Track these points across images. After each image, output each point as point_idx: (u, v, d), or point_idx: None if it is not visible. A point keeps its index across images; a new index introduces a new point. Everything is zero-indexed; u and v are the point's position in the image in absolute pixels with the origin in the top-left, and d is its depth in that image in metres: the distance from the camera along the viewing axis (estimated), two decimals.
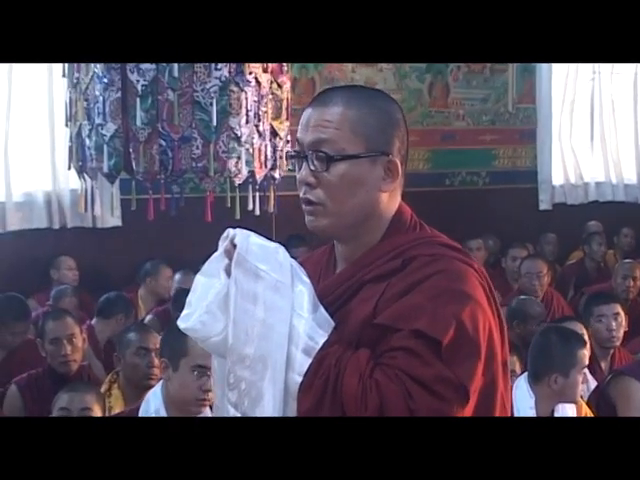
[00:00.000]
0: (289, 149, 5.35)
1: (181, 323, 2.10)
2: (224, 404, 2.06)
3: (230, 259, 2.05)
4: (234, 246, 2.06)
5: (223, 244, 2.10)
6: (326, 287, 2.14)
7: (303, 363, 1.99)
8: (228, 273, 2.05)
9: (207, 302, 2.06)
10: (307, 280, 2.08)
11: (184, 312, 2.10)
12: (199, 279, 2.11)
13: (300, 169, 2.13)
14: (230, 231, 2.11)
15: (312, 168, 2.09)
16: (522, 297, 6.06)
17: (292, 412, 2.00)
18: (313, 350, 2.00)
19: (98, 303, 6.03)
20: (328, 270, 2.23)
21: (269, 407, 2.00)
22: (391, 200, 2.15)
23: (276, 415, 1.99)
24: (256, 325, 2.01)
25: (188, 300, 2.10)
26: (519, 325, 5.65)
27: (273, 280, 2.03)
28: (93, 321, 5.94)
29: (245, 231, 2.11)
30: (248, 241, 2.07)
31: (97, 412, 3.84)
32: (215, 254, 2.11)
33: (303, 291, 2.05)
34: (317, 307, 2.05)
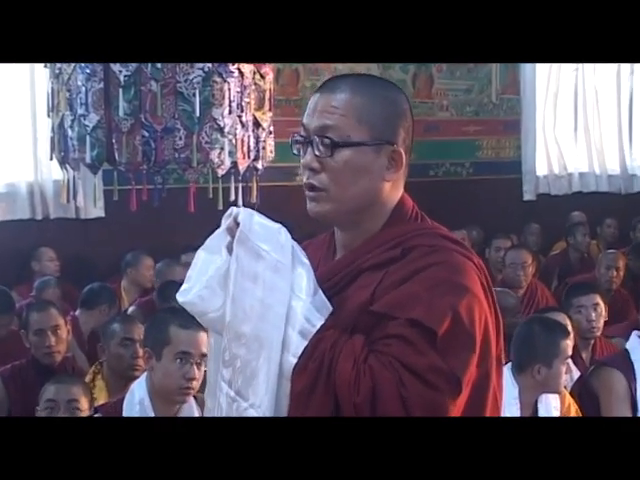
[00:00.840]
0: (272, 140, 5.36)
1: (180, 297, 2.10)
2: (218, 381, 2.06)
3: (232, 237, 2.06)
4: (237, 224, 2.07)
5: (226, 221, 2.11)
6: (324, 273, 2.14)
7: (299, 345, 2.00)
8: (229, 250, 2.06)
9: (207, 277, 2.06)
10: (307, 262, 2.09)
11: (183, 286, 2.10)
12: (200, 254, 2.11)
13: (305, 154, 2.13)
14: (234, 209, 2.12)
15: (317, 153, 2.09)
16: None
17: (285, 393, 2.00)
18: (309, 333, 2.01)
19: (82, 294, 6.02)
20: (327, 257, 2.24)
21: (263, 386, 2.00)
22: (394, 190, 2.16)
23: (269, 394, 2.00)
24: (255, 304, 2.02)
25: (188, 275, 2.11)
26: None
27: (274, 260, 2.04)
28: (77, 312, 5.93)
29: (249, 210, 2.12)
30: (251, 220, 2.08)
31: (84, 404, 3.84)
32: (217, 231, 2.12)
33: (302, 274, 2.06)
34: (316, 290, 2.06)
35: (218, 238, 2.10)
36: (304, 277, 2.06)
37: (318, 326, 2.02)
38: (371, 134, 2.09)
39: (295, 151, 2.17)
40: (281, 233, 2.09)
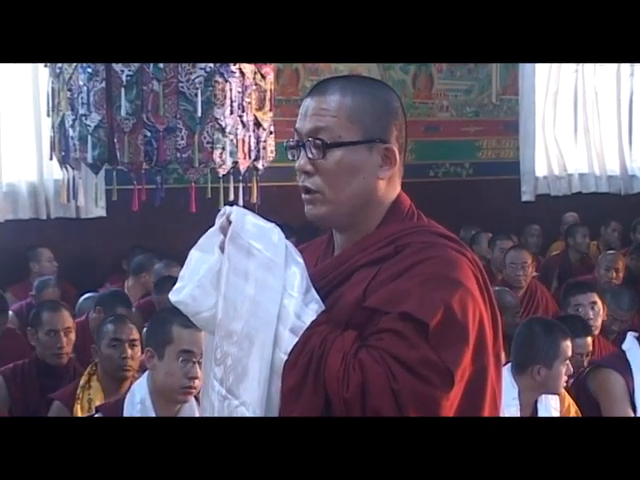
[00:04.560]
0: (272, 140, 5.37)
1: (172, 296, 2.10)
2: (210, 379, 2.06)
3: (225, 235, 2.07)
4: (230, 223, 2.07)
5: (219, 220, 2.11)
6: (319, 271, 2.15)
7: (290, 342, 1.99)
8: (222, 249, 2.06)
9: (199, 276, 2.06)
10: (301, 261, 2.09)
11: (176, 285, 2.10)
12: (193, 253, 2.12)
13: (299, 158, 2.13)
14: (227, 208, 2.13)
15: (309, 156, 2.10)
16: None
17: (276, 390, 2.00)
18: (300, 329, 2.00)
19: (96, 301, 5.81)
20: (325, 257, 2.24)
21: (254, 384, 2.00)
22: (389, 188, 2.16)
23: (260, 392, 2.00)
24: (246, 302, 2.02)
25: (181, 274, 2.11)
26: None
27: (266, 259, 2.04)
28: (91, 315, 5.74)
29: (242, 209, 2.12)
30: (244, 219, 2.08)
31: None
32: (211, 230, 2.12)
33: (296, 272, 2.06)
34: (309, 289, 2.06)
35: (211, 237, 2.11)
36: (297, 275, 2.06)
37: (309, 323, 2.01)
38: (363, 133, 2.10)
39: (290, 156, 2.18)
40: (274, 232, 2.09)
